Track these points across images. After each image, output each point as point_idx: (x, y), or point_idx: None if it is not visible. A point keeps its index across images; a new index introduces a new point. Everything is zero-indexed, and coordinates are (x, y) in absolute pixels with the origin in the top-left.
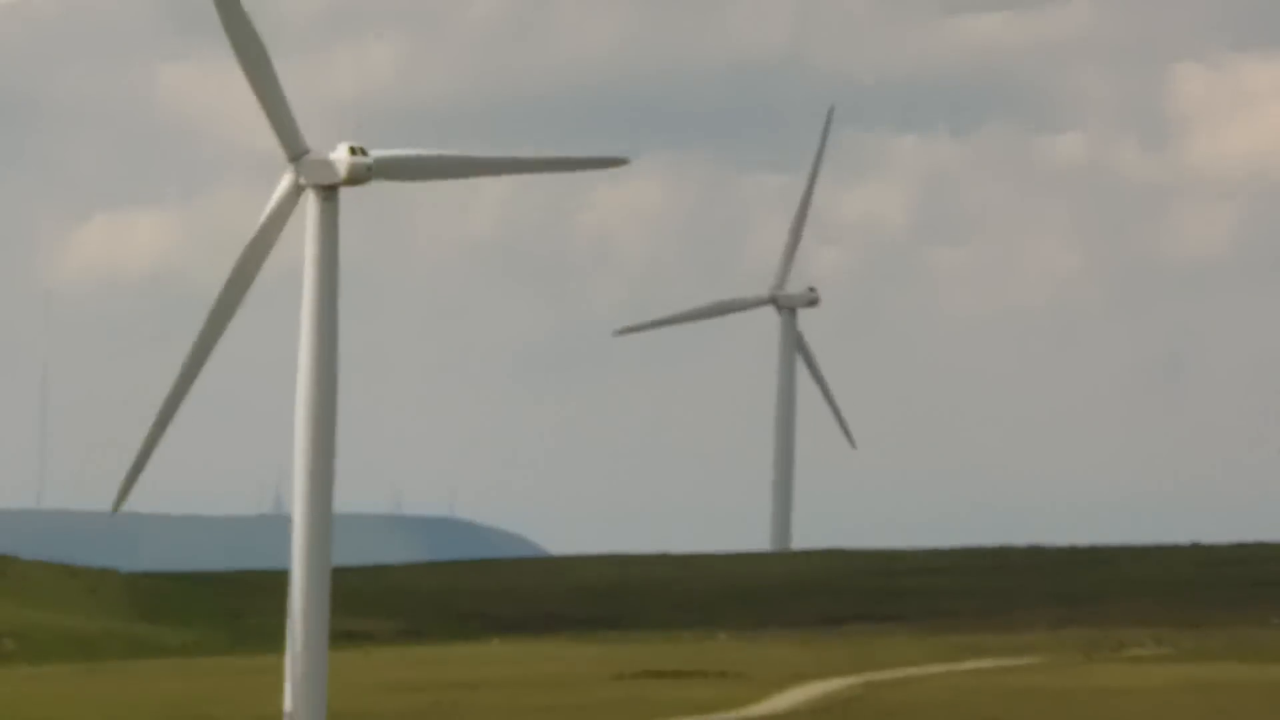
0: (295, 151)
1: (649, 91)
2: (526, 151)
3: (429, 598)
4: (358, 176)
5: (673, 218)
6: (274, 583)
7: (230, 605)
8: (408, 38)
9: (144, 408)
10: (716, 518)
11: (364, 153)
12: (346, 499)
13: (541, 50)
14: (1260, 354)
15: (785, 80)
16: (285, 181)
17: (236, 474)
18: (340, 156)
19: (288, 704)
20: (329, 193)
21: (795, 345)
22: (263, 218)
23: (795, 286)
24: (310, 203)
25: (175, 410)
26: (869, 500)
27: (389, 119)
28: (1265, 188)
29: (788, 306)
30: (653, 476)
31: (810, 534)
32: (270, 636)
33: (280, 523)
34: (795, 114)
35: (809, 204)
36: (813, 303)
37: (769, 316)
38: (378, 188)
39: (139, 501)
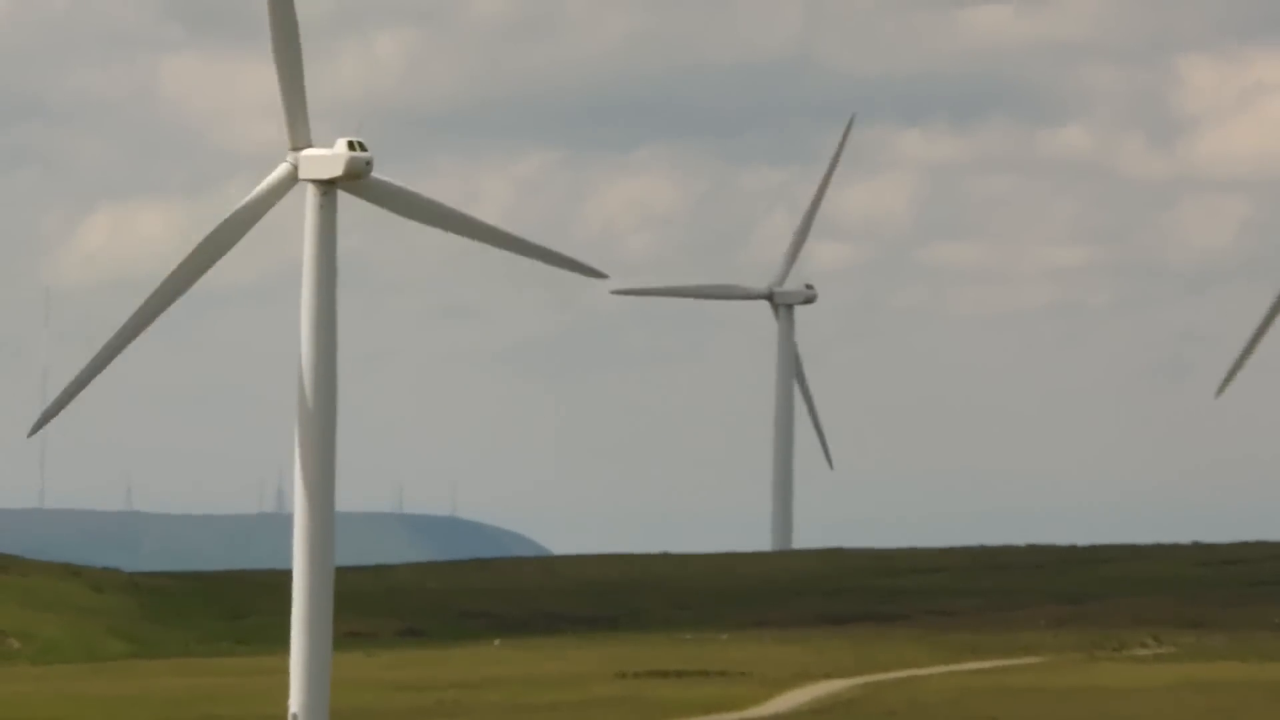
0: (299, 143)
1: (655, 88)
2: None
3: (431, 597)
4: (356, 172)
5: (677, 214)
6: (276, 582)
7: (232, 604)
8: (414, 34)
9: (143, 406)
10: (718, 517)
11: (363, 148)
12: (349, 498)
13: (548, 48)
14: (1264, 353)
15: (791, 77)
16: (281, 168)
17: (238, 473)
18: (339, 152)
19: (292, 703)
20: (327, 188)
21: (792, 344)
22: (251, 195)
23: (793, 284)
24: (309, 197)
25: (112, 357)
26: (870, 499)
27: (395, 116)
28: (1273, 183)
29: (784, 304)
30: (655, 476)
31: (812, 533)
32: (273, 636)
33: (282, 521)
34: (800, 111)
35: (818, 207)
36: (810, 300)
37: (768, 317)
38: (379, 183)
39: (142, 500)
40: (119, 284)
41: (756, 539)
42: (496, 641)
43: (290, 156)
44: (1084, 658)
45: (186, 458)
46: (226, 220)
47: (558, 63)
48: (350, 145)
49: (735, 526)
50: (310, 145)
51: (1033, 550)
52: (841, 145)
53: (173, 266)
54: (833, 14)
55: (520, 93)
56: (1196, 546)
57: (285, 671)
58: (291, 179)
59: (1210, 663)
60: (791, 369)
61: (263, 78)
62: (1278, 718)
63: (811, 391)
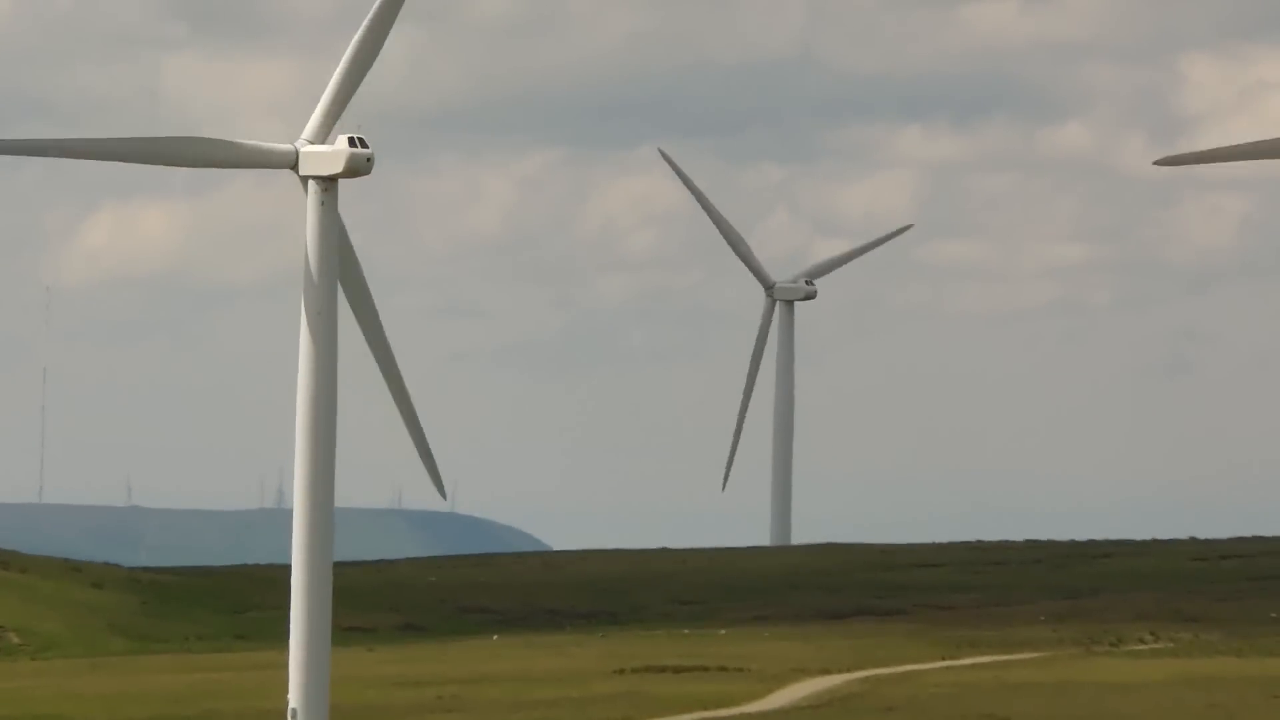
0: (317, 137)
1: (657, 87)
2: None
3: (430, 592)
4: (357, 168)
5: (678, 213)
6: (276, 577)
7: (232, 600)
8: (417, 33)
9: (144, 402)
10: (718, 512)
11: (363, 144)
12: (348, 493)
13: (550, 46)
14: (1262, 350)
15: (793, 76)
16: (285, 147)
17: (239, 468)
18: (340, 148)
19: (291, 698)
20: (328, 184)
21: (791, 337)
22: (247, 143)
23: (791, 279)
24: (310, 194)
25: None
26: (869, 495)
27: (397, 115)
28: (1273, 182)
29: (784, 299)
30: (655, 471)
31: (811, 529)
32: (272, 631)
33: (283, 517)
34: (802, 108)
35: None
36: (810, 296)
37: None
38: (382, 180)
39: (142, 496)
40: (121, 282)
41: (756, 535)
42: (495, 636)
43: (299, 143)
44: (1082, 653)
45: (187, 453)
46: (208, 140)
47: (559, 61)
48: (351, 142)
49: (735, 522)
50: (323, 143)
51: (1031, 546)
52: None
53: (175, 264)
54: (834, 12)
55: (522, 91)
56: (1194, 542)
57: (285, 666)
58: (290, 161)
59: (1207, 658)
60: (791, 364)
61: (265, 76)
62: (1274, 712)
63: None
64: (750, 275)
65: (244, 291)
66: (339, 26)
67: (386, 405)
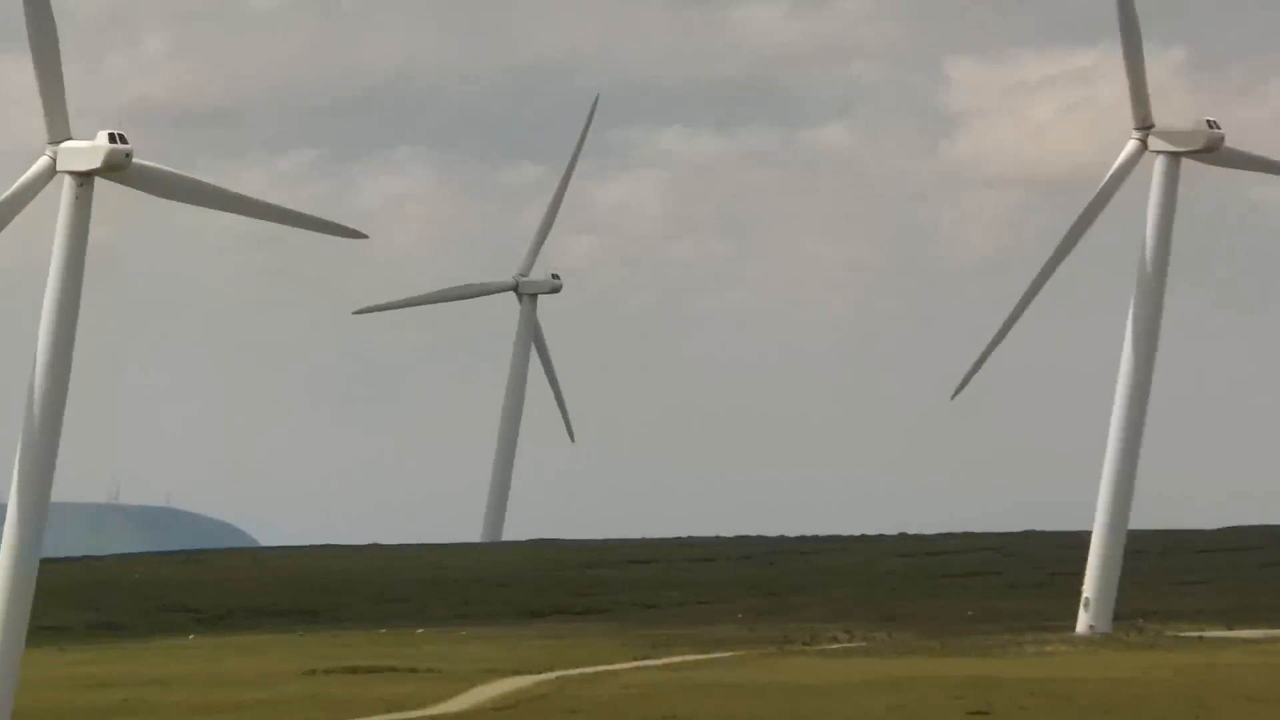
0: (58, 136)
1: (419, 87)
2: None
3: (132, 590)
4: (116, 163)
5: (438, 211)
6: None
7: None
8: (179, 32)
9: None
10: (440, 508)
11: (123, 140)
12: (65, 488)
13: (313, 46)
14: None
15: (556, 76)
16: (41, 161)
17: None
18: (99, 144)
19: None
20: (84, 179)
21: (533, 332)
22: (9, 190)
23: (539, 273)
24: (65, 189)
25: None
26: (595, 491)
27: (156, 114)
28: (1033, 183)
29: (529, 293)
30: (378, 467)
31: (532, 525)
32: None
33: None
34: (563, 107)
35: (563, 196)
36: (555, 289)
37: (510, 308)
38: (139, 168)
39: None
40: None
41: (474, 530)
42: (191, 636)
43: (49, 150)
44: (775, 652)
45: None
46: None
47: (322, 61)
48: (111, 137)
49: (454, 518)
50: (69, 138)
51: (740, 542)
52: (585, 131)
53: None
54: (602, 11)
55: (283, 91)
56: (903, 538)
57: None
58: (50, 172)
59: (899, 658)
60: (527, 358)
61: (23, 72)
62: (955, 713)
63: (554, 367)
64: (496, 270)
65: None
66: (108, 26)
67: (105, 399)
